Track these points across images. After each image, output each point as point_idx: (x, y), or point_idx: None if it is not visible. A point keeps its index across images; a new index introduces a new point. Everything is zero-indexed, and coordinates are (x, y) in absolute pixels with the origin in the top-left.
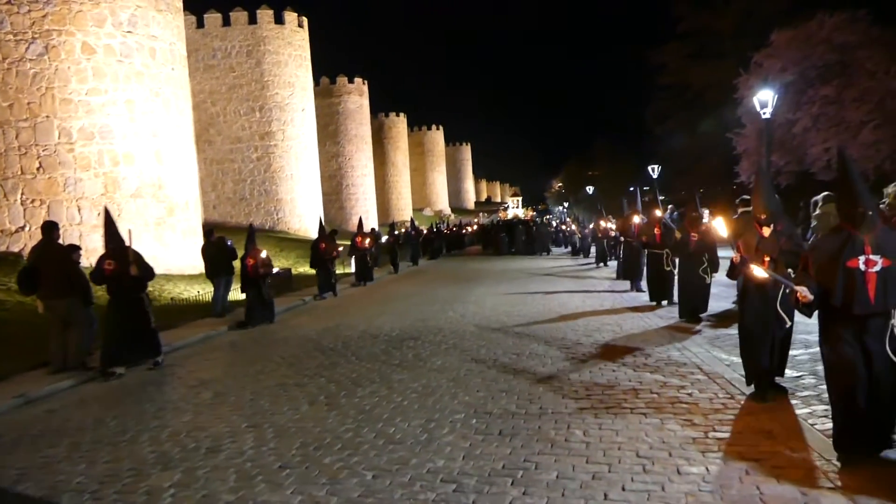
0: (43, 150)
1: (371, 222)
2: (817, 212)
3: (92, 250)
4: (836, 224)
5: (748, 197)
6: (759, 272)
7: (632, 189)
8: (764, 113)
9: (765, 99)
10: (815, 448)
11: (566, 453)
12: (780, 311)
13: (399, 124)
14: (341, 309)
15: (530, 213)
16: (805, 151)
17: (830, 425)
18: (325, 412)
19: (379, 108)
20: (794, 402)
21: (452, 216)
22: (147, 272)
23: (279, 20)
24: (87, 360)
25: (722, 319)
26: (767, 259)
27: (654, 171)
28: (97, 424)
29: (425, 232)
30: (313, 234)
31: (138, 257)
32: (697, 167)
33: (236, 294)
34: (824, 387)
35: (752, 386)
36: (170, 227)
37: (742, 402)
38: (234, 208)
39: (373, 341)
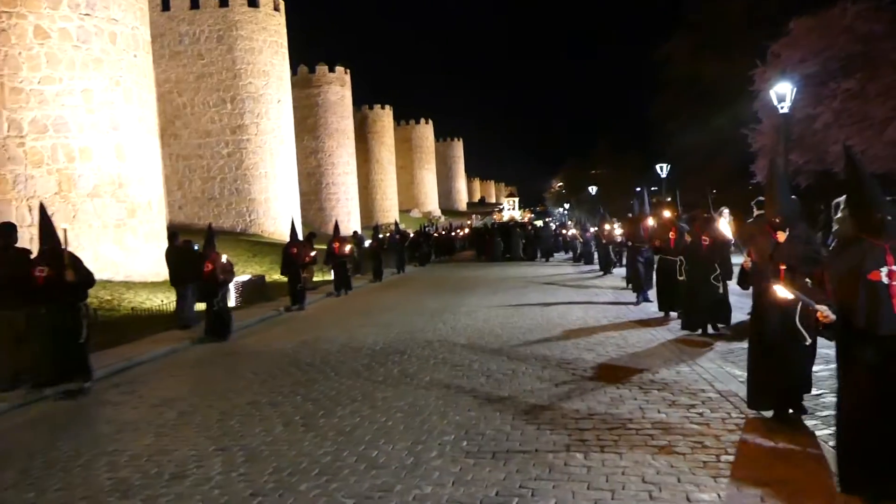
0: None
1: (353, 225)
2: (839, 215)
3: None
4: (852, 233)
5: (763, 199)
6: (782, 292)
7: (639, 189)
8: (782, 107)
9: (783, 92)
10: (836, 472)
11: (565, 479)
12: (800, 327)
13: (384, 118)
14: (320, 321)
15: (528, 215)
16: (826, 149)
17: None
18: (301, 434)
19: (362, 99)
20: (813, 421)
21: (443, 218)
22: (86, 278)
23: (253, 3)
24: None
25: (736, 332)
26: (783, 267)
27: (663, 170)
28: (48, 448)
29: (412, 236)
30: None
31: (75, 261)
32: (709, 166)
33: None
34: None
35: (759, 407)
36: (131, 229)
37: (757, 423)
38: (202, 209)
39: (354, 356)
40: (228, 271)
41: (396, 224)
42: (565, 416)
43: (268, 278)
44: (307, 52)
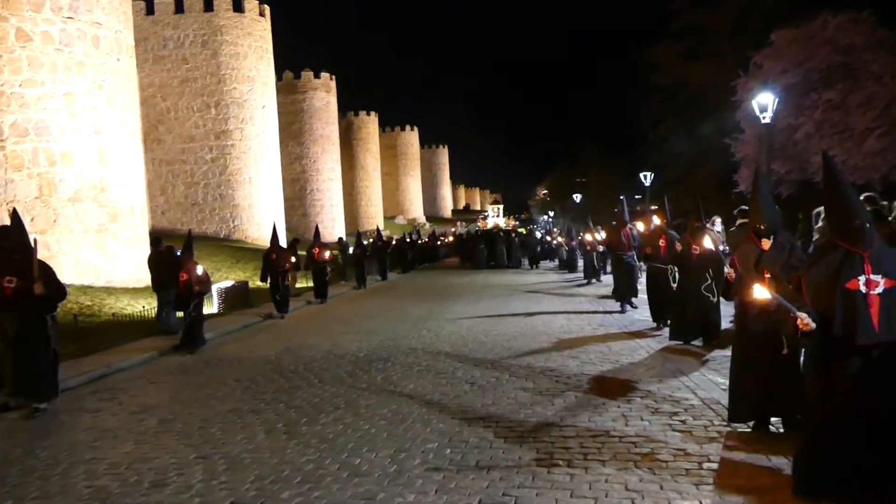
0: None
1: (338, 231)
2: (819, 224)
3: None
4: (828, 239)
5: (746, 208)
6: (760, 292)
7: (621, 198)
8: (764, 117)
9: (765, 102)
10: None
11: (548, 486)
12: (784, 337)
13: (370, 124)
14: (303, 328)
15: (512, 222)
16: (808, 159)
17: None
18: (283, 441)
19: (348, 106)
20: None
21: (427, 225)
22: (57, 291)
23: (238, 8)
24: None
25: (720, 341)
26: (768, 276)
27: (647, 178)
28: (25, 455)
29: (394, 242)
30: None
31: (46, 272)
32: (694, 175)
33: None
34: None
35: (741, 419)
36: (112, 234)
37: (741, 432)
38: (185, 214)
39: (338, 363)
40: (204, 282)
41: (379, 231)
42: (549, 424)
43: (251, 284)
44: (293, 58)
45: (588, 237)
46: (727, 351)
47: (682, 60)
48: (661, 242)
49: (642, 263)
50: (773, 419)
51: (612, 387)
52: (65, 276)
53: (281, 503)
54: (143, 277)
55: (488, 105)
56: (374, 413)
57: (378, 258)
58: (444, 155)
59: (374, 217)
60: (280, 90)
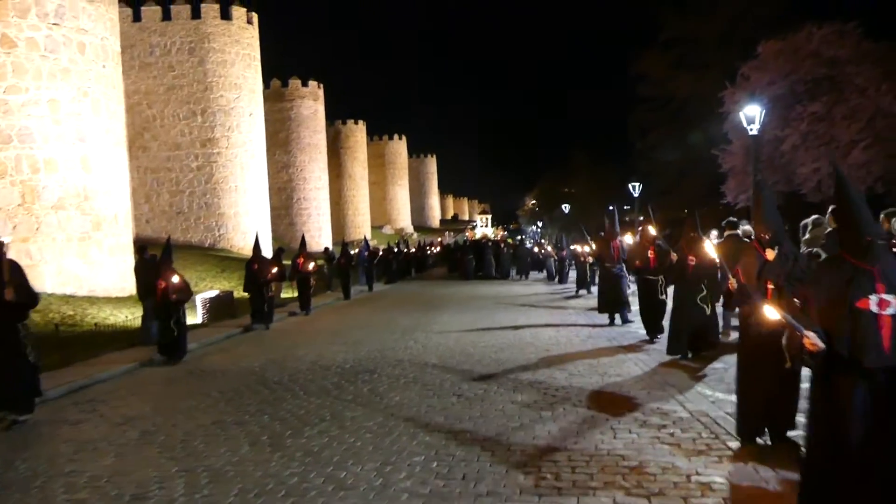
0: None
1: (325, 241)
2: (807, 236)
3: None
4: (836, 254)
5: (735, 219)
6: (771, 313)
7: (611, 208)
8: (751, 129)
9: (752, 114)
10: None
11: (536, 500)
12: (784, 350)
13: (357, 133)
14: (288, 338)
15: (500, 232)
16: (794, 170)
17: None
18: (267, 454)
19: (335, 114)
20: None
21: (415, 235)
22: (28, 297)
23: (226, 15)
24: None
25: (714, 353)
26: (771, 287)
27: (635, 188)
28: (5, 467)
29: (381, 252)
30: (263, 252)
31: (17, 276)
32: (682, 185)
33: None
34: None
35: (749, 435)
36: (96, 242)
37: (733, 446)
38: (169, 223)
39: (323, 374)
40: (181, 290)
41: (365, 240)
42: (536, 436)
43: (236, 294)
44: (280, 66)
45: (579, 248)
46: (719, 363)
47: (670, 70)
48: (650, 254)
49: (632, 276)
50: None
51: (599, 399)
52: (47, 285)
53: None
54: (127, 286)
55: (477, 114)
56: (360, 425)
57: (364, 268)
58: (432, 164)
59: (361, 226)
60: (267, 98)
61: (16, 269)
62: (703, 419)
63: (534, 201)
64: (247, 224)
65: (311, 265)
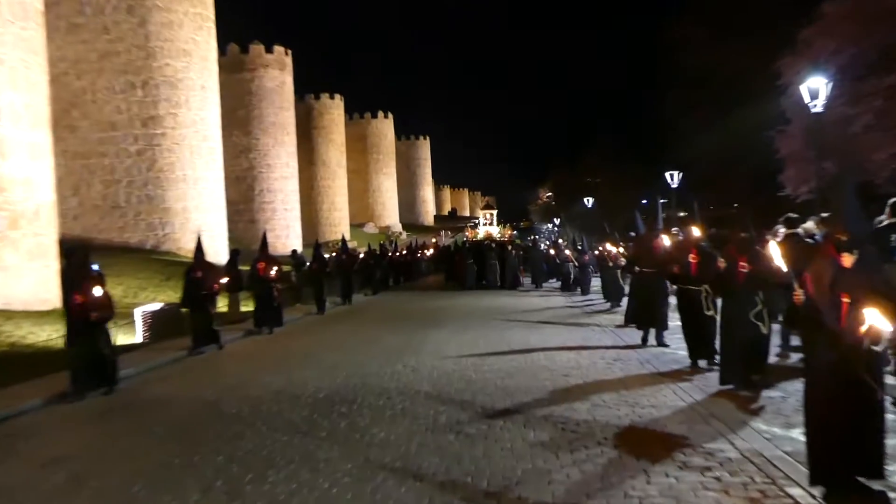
0: None
1: (293, 242)
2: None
3: None
4: None
5: (794, 215)
6: (877, 320)
7: (645, 201)
8: (814, 106)
9: (815, 88)
10: None
11: None
12: (868, 379)
13: (334, 110)
14: (248, 362)
15: (508, 231)
16: (866, 157)
17: None
18: (224, 502)
19: (307, 87)
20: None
21: (404, 235)
22: None
23: None
24: None
25: (767, 377)
26: (846, 300)
27: (674, 178)
28: None
29: (362, 256)
30: (214, 256)
31: None
32: (728, 176)
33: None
34: None
35: (825, 482)
36: (11, 243)
37: (794, 493)
38: (102, 220)
39: (292, 405)
40: (103, 306)
41: (343, 241)
42: (552, 482)
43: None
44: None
45: (610, 248)
46: (775, 392)
47: (713, 38)
48: (692, 258)
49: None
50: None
51: (629, 436)
52: None
53: None
54: (51, 298)
55: (479, 88)
56: (337, 468)
57: (342, 276)
58: (424, 148)
59: (338, 225)
60: (223, 67)
61: None
62: (757, 460)
63: (549, 194)
64: (198, 221)
65: (274, 271)
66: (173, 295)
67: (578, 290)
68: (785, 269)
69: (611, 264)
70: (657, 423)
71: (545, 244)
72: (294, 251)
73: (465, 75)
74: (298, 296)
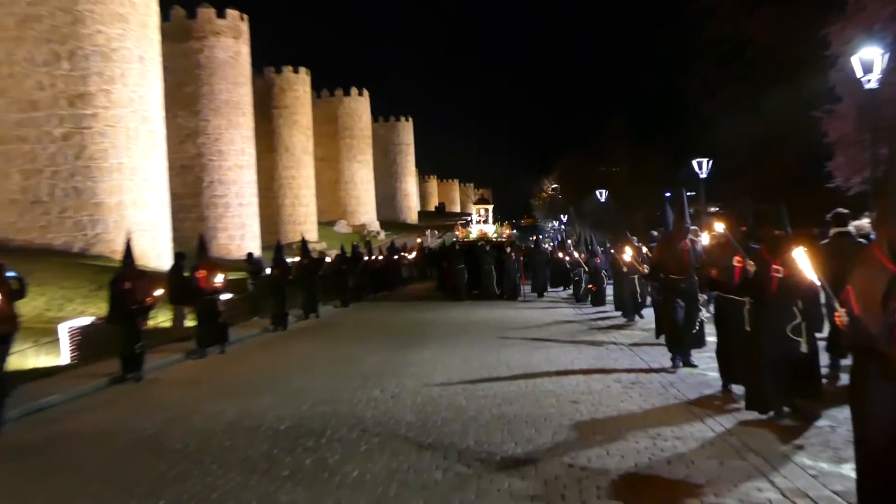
0: None
1: (250, 244)
2: None
3: None
4: None
5: (845, 211)
6: None
7: (669, 194)
8: (868, 81)
9: (869, 59)
10: None
11: None
12: None
13: (299, 86)
14: (197, 387)
15: (507, 230)
16: None
17: None
18: None
19: (267, 59)
20: None
21: (382, 234)
22: None
23: None
24: None
25: (812, 404)
26: None
27: (702, 166)
28: None
29: (330, 260)
30: (157, 260)
31: None
32: (763, 164)
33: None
34: None
35: None
36: None
37: None
38: (21, 217)
39: (248, 439)
40: (8, 321)
41: (304, 243)
42: None
43: None
44: None
45: (629, 253)
46: (823, 421)
47: (746, 3)
48: (737, 262)
49: (707, 294)
50: None
51: (651, 473)
52: None
53: None
54: None
55: (472, 61)
56: None
57: (304, 285)
58: (407, 132)
59: (304, 223)
60: (167, 35)
61: None
62: (801, 501)
63: (554, 186)
64: (136, 219)
65: (219, 279)
66: (106, 307)
67: (590, 299)
68: (817, 280)
69: (625, 270)
70: (682, 458)
71: (550, 245)
72: (250, 254)
73: (455, 45)
74: (256, 308)
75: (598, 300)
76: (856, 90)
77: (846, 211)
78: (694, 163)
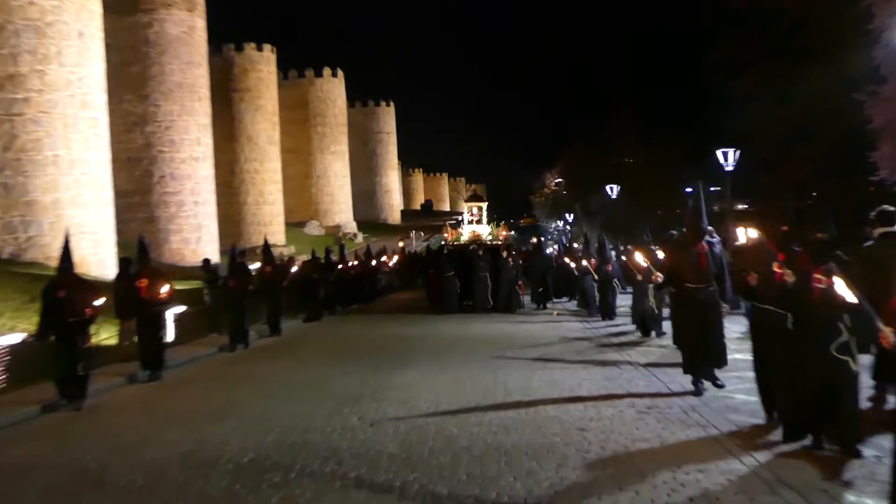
0: None
1: (206, 248)
2: None
3: None
4: None
5: (892, 208)
6: None
7: (689, 190)
8: None
9: None
10: None
11: None
12: None
13: (263, 66)
14: (145, 414)
15: (503, 231)
16: None
17: None
18: None
19: (226, 35)
20: None
21: (360, 237)
22: None
23: None
24: None
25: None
26: None
27: (728, 157)
28: None
29: (295, 268)
30: (99, 266)
31: None
32: (797, 155)
33: None
34: None
35: None
36: None
37: None
38: None
39: (205, 473)
40: None
41: (266, 247)
42: None
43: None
44: None
45: (640, 258)
46: (868, 450)
47: None
48: (777, 268)
49: (743, 305)
50: None
51: None
52: None
53: None
54: None
55: (460, 37)
56: None
57: (267, 295)
58: (389, 118)
59: (269, 223)
60: (110, 8)
61: None
62: None
63: (558, 180)
64: (74, 219)
65: (164, 290)
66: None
67: (600, 312)
68: (854, 298)
69: (640, 278)
70: (706, 495)
71: (553, 248)
72: (206, 261)
73: (442, 18)
74: (213, 322)
75: (608, 313)
76: None
77: (893, 209)
78: (718, 153)
